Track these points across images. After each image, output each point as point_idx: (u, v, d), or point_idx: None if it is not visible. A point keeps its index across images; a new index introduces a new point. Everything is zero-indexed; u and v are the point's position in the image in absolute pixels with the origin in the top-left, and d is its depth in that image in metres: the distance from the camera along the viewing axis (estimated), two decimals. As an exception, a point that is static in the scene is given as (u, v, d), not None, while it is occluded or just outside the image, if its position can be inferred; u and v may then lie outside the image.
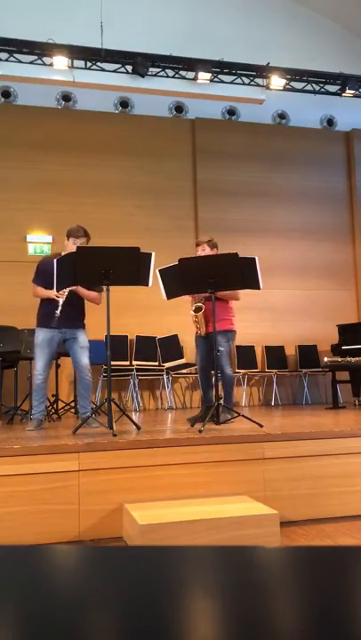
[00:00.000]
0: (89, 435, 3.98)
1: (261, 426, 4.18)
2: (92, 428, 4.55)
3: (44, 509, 3.31)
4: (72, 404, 6.62)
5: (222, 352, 4.91)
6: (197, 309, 4.97)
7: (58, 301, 4.54)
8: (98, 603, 0.46)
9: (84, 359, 4.78)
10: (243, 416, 4.50)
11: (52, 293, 4.58)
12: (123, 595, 0.48)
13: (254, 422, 4.28)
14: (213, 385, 4.79)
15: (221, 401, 4.70)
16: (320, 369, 8.41)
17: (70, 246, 4.71)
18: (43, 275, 4.77)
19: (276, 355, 8.81)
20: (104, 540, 3.34)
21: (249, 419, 4.39)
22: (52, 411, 6.24)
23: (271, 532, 3.08)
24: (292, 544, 3.14)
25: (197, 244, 5.18)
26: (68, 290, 4.58)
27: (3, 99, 8.63)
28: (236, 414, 4.63)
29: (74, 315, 4.77)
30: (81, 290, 4.73)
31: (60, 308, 4.50)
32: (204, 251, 5.05)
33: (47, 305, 4.72)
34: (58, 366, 6.60)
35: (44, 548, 0.61)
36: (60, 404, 6.58)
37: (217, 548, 0.60)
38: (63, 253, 4.74)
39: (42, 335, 4.74)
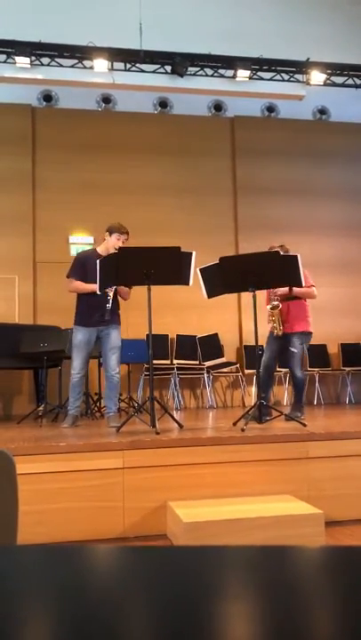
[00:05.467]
0: (133, 433, 4.02)
1: (305, 425, 4.15)
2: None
3: (89, 506, 3.37)
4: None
5: (295, 354, 4.88)
6: (274, 307, 4.94)
7: (102, 296, 4.54)
8: (140, 603, 0.47)
9: (113, 359, 4.73)
10: (286, 415, 4.47)
11: (96, 288, 4.48)
12: (164, 595, 0.49)
13: (298, 421, 4.25)
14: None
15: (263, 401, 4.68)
16: (364, 367, 8.27)
17: (113, 241, 4.78)
18: (81, 269, 4.81)
19: (318, 353, 8.69)
20: (149, 537, 3.37)
21: (292, 418, 4.36)
22: (96, 409, 6.32)
23: (316, 531, 3.06)
24: (338, 544, 3.11)
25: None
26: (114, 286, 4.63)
27: (45, 102, 8.79)
28: (301, 417, 4.57)
29: (110, 311, 4.75)
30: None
31: (110, 302, 4.54)
32: None
33: (86, 302, 4.74)
34: (101, 365, 6.66)
35: (86, 547, 0.62)
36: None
37: (261, 548, 0.60)
38: (99, 249, 4.89)
39: (80, 336, 4.75)
